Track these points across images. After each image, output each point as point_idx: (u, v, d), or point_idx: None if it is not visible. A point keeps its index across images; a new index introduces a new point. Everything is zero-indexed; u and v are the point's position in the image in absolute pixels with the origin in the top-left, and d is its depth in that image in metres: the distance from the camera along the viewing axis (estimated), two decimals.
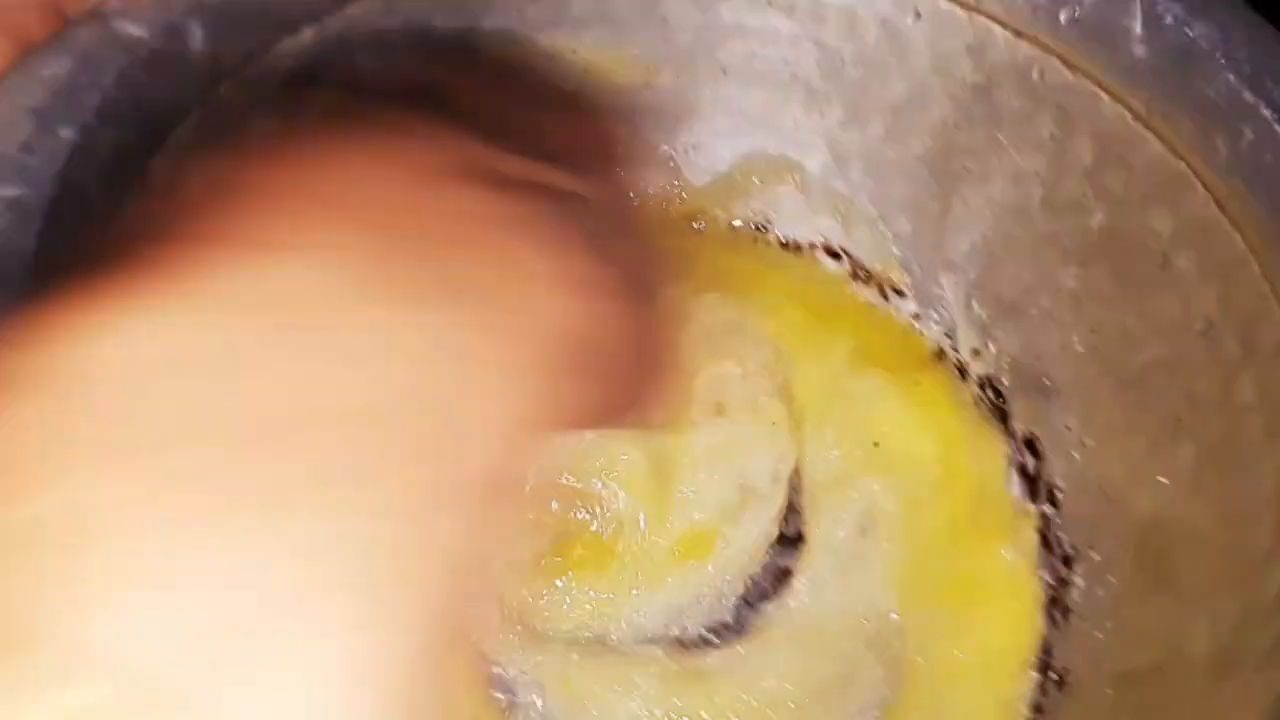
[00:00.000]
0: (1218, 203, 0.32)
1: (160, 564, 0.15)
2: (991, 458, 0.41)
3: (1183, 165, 0.33)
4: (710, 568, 0.39)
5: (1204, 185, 0.32)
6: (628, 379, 0.22)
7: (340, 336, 0.17)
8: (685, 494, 0.39)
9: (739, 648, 0.38)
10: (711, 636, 0.39)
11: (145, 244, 0.18)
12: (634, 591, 0.39)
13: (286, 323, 0.17)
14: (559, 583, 0.38)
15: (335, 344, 0.17)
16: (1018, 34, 0.35)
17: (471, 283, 0.19)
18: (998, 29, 0.35)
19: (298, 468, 0.16)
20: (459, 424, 0.17)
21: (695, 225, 0.44)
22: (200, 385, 0.16)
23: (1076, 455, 0.39)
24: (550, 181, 0.22)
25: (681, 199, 0.43)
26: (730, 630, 0.39)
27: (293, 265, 0.17)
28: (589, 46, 0.38)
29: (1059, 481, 0.40)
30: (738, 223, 0.44)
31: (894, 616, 0.39)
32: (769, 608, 0.39)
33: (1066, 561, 0.39)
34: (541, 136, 0.24)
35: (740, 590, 0.39)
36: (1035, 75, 0.36)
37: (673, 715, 0.37)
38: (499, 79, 0.28)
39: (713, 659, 0.38)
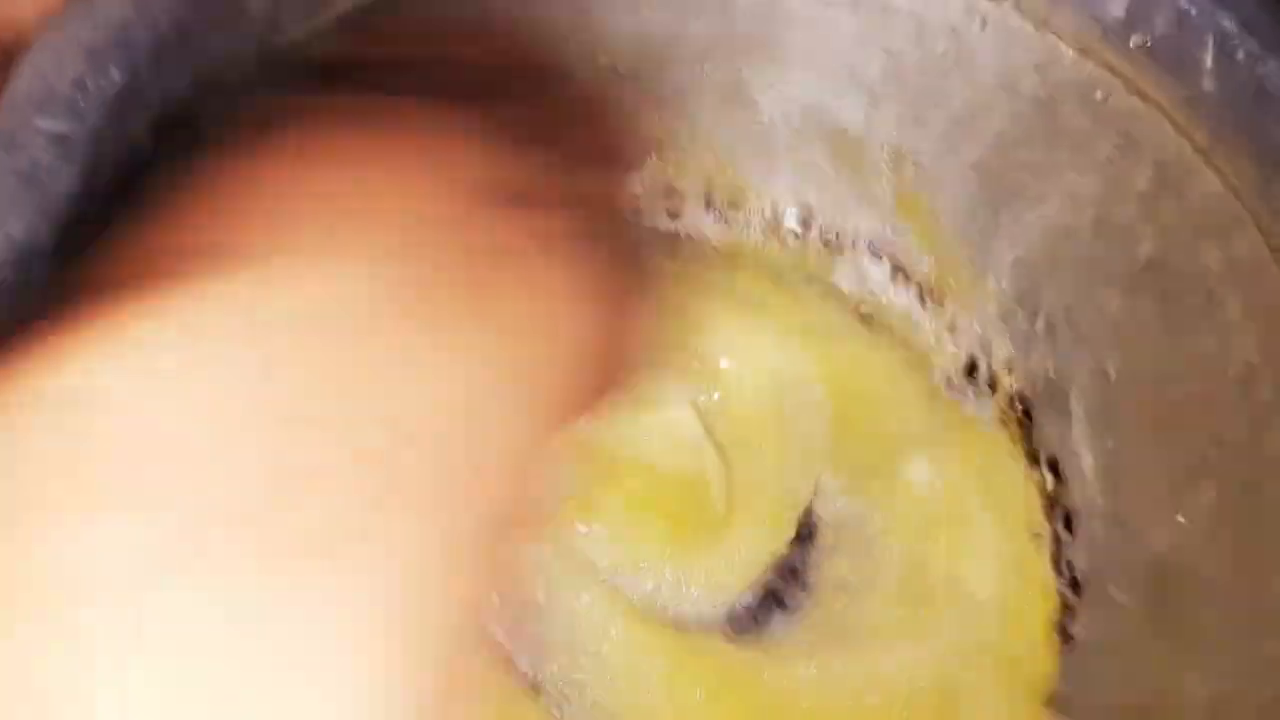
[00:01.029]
0: (1271, 247, 0.31)
1: (170, 625, 0.14)
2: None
3: (1239, 205, 0.32)
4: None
5: (1259, 228, 0.32)
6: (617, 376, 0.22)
7: (367, 355, 0.16)
8: None
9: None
10: None
11: (165, 252, 0.17)
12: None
13: (310, 342, 0.16)
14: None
15: (363, 362, 0.16)
16: (1084, 53, 0.35)
17: (497, 303, 0.18)
18: (1065, 47, 0.34)
19: (316, 514, 0.15)
20: (479, 455, 0.17)
21: (736, 215, 0.43)
22: (214, 415, 0.15)
23: (1098, 483, 0.39)
24: (573, 191, 0.21)
25: (725, 186, 0.43)
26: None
27: (319, 276, 0.17)
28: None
29: (1077, 507, 0.39)
30: (780, 217, 0.44)
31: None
32: None
33: (1075, 588, 0.38)
34: (569, 136, 0.24)
35: None
36: (1099, 97, 0.35)
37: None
38: (538, 77, 0.28)
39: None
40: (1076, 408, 0.39)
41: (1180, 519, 0.35)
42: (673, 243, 0.44)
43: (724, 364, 0.41)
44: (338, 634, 0.15)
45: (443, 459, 0.16)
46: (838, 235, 0.44)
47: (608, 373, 0.21)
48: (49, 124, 0.23)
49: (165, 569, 0.14)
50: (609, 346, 0.21)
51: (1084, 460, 0.39)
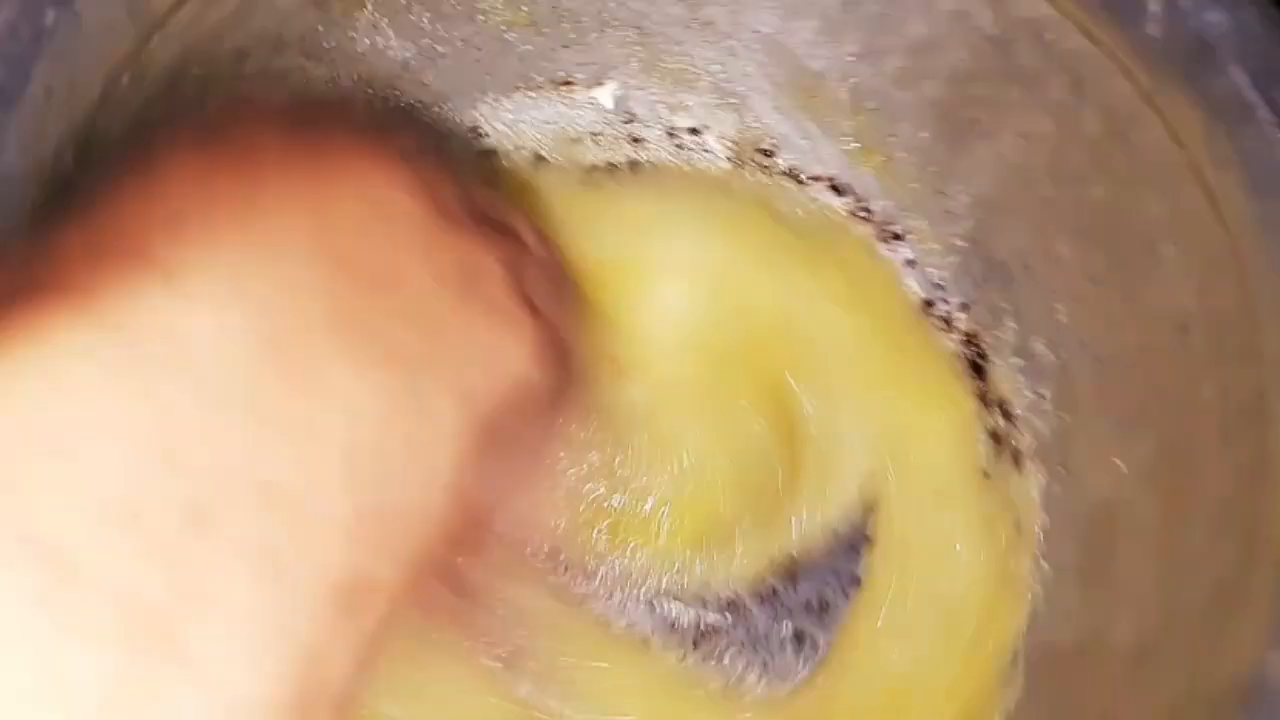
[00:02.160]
0: (1209, 198, 0.31)
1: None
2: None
3: (1182, 154, 0.32)
4: None
5: (1198, 178, 0.31)
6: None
7: (240, 411, 0.15)
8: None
9: None
10: None
11: (83, 260, 0.16)
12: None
13: (155, 391, 0.15)
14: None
15: (225, 418, 0.15)
16: None
17: (423, 338, 0.17)
18: None
19: (203, 550, 0.14)
20: (355, 513, 0.16)
21: (697, 149, 0.43)
22: (100, 437, 0.14)
23: (1044, 426, 0.39)
24: (504, 220, 0.21)
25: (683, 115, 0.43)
26: None
27: (173, 305, 0.15)
28: None
29: (1025, 449, 0.39)
30: (740, 149, 0.43)
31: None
32: None
33: (1017, 527, 0.39)
34: None
35: None
36: (1050, 36, 0.34)
37: None
38: None
39: None
40: (1027, 351, 0.39)
41: (1120, 464, 0.35)
42: (634, 170, 0.44)
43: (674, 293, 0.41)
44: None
45: (330, 523, 0.16)
46: (800, 170, 0.43)
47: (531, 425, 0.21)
48: None
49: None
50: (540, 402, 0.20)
51: (1034, 403, 0.39)
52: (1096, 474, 0.36)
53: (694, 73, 0.43)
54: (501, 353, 0.19)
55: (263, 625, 0.15)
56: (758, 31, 0.41)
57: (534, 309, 0.20)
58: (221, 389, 0.15)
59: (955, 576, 0.39)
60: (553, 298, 0.21)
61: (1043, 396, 0.39)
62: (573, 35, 0.42)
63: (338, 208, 0.18)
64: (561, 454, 0.24)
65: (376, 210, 0.18)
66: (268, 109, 0.21)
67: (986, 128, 0.38)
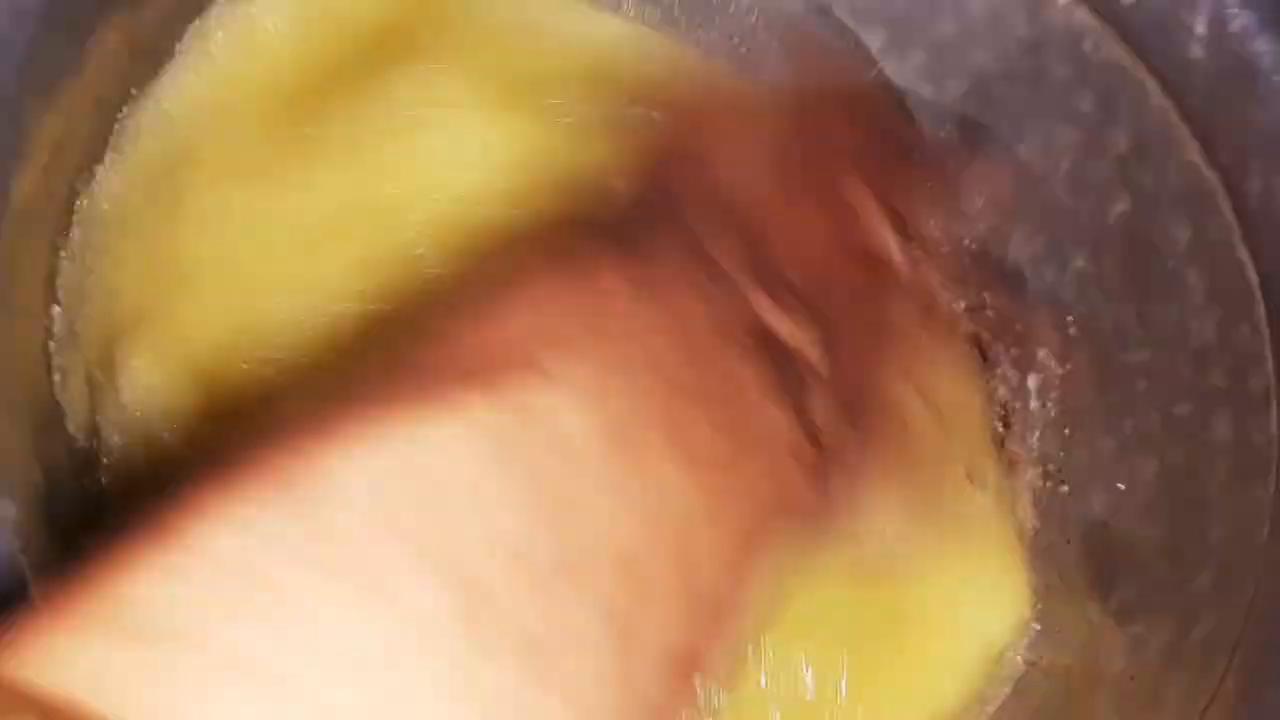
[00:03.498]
0: (1242, 230, 0.30)
1: None
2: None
3: (1215, 182, 0.31)
4: None
5: (1232, 207, 0.31)
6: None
7: (592, 482, 0.18)
8: None
9: None
10: None
11: (481, 359, 0.18)
12: None
13: (534, 457, 0.17)
14: None
15: (586, 490, 0.18)
16: (1077, 0, 0.33)
17: (718, 446, 0.19)
18: None
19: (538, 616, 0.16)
20: (678, 590, 0.18)
21: None
22: (451, 517, 0.16)
23: (1046, 436, 0.38)
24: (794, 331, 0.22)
25: None
26: None
27: (552, 399, 0.18)
28: None
29: (1021, 457, 0.39)
30: None
31: None
32: None
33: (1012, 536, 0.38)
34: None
35: None
36: (1088, 47, 0.34)
37: None
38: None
39: None
40: (1031, 360, 0.39)
41: (1120, 486, 0.35)
42: None
43: None
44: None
45: (659, 595, 0.18)
46: None
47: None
48: None
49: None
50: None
51: (1033, 412, 0.39)
52: (1096, 492, 0.36)
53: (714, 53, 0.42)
54: (786, 471, 0.21)
55: (618, 672, 0.17)
56: (782, 10, 0.40)
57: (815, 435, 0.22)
58: (584, 468, 0.18)
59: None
60: (836, 423, 0.23)
61: (1044, 407, 0.39)
62: None
63: (653, 322, 0.21)
64: None
65: (688, 330, 0.21)
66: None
67: (1008, 132, 0.38)
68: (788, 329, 0.23)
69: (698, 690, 0.18)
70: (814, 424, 0.22)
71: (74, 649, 0.15)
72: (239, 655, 0.15)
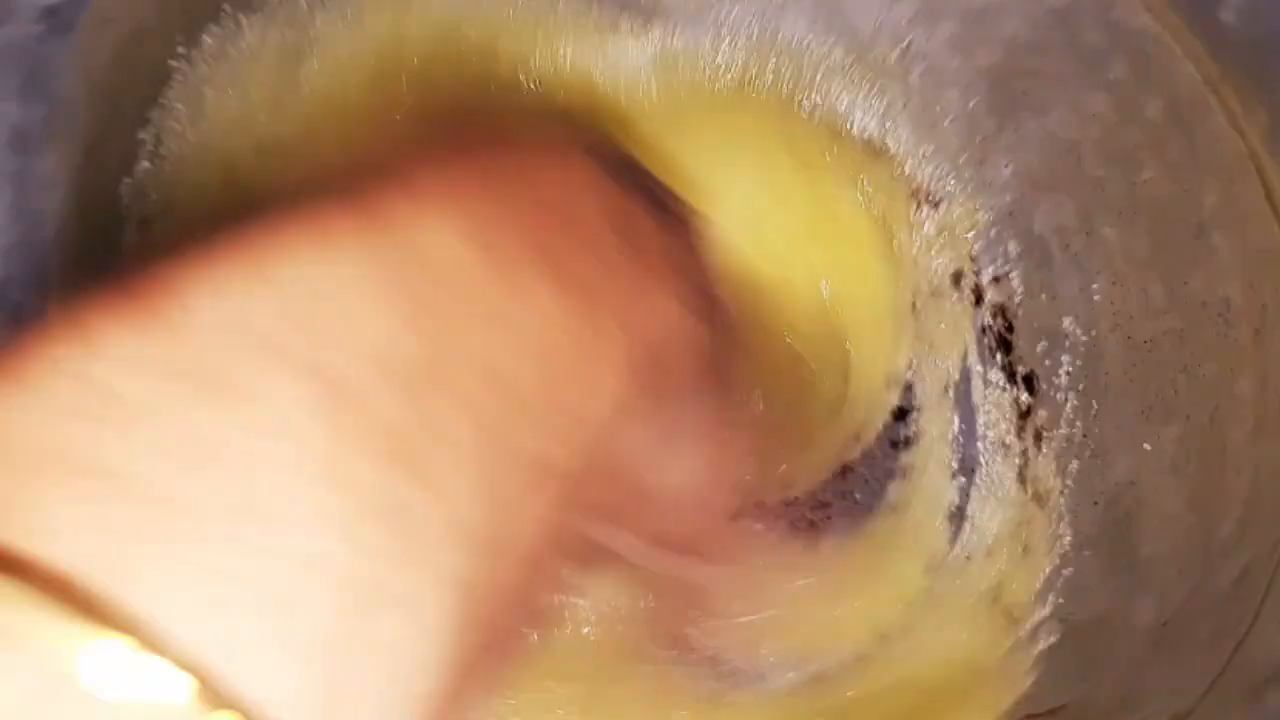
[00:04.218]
0: (1268, 194, 0.31)
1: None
2: None
3: (1244, 148, 0.32)
4: None
5: (1260, 173, 0.31)
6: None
7: (463, 300, 0.18)
8: None
9: None
10: None
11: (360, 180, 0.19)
12: None
13: (407, 274, 0.18)
14: None
15: (457, 307, 0.18)
16: None
17: (588, 278, 0.20)
18: None
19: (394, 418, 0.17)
20: (543, 403, 0.19)
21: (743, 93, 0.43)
22: (334, 328, 0.17)
23: (1071, 402, 0.39)
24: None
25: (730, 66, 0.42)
26: None
27: (430, 220, 0.19)
28: None
29: (1047, 424, 0.40)
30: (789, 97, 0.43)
31: None
32: None
33: (1038, 501, 0.39)
34: None
35: None
36: (1117, 14, 0.34)
37: None
38: None
39: None
40: (1057, 328, 0.39)
41: (1146, 446, 0.36)
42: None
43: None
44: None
45: (525, 406, 0.18)
46: (838, 126, 0.43)
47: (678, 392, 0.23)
48: None
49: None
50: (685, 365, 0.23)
51: (1059, 379, 0.40)
52: (1121, 454, 0.37)
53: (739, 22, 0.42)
54: (661, 299, 0.22)
55: (479, 472, 0.18)
56: None
57: (683, 268, 0.22)
58: (453, 280, 0.18)
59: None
60: (700, 264, 0.23)
61: (1069, 374, 0.39)
62: None
63: (535, 173, 0.22)
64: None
65: (564, 173, 0.22)
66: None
67: (1038, 101, 0.38)
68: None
69: (554, 506, 0.19)
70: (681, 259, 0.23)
71: None
72: (89, 461, 0.15)
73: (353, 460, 0.16)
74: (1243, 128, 0.32)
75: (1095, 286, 0.38)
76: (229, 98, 0.35)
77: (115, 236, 0.32)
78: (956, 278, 0.42)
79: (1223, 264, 0.33)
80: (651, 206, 0.24)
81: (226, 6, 0.34)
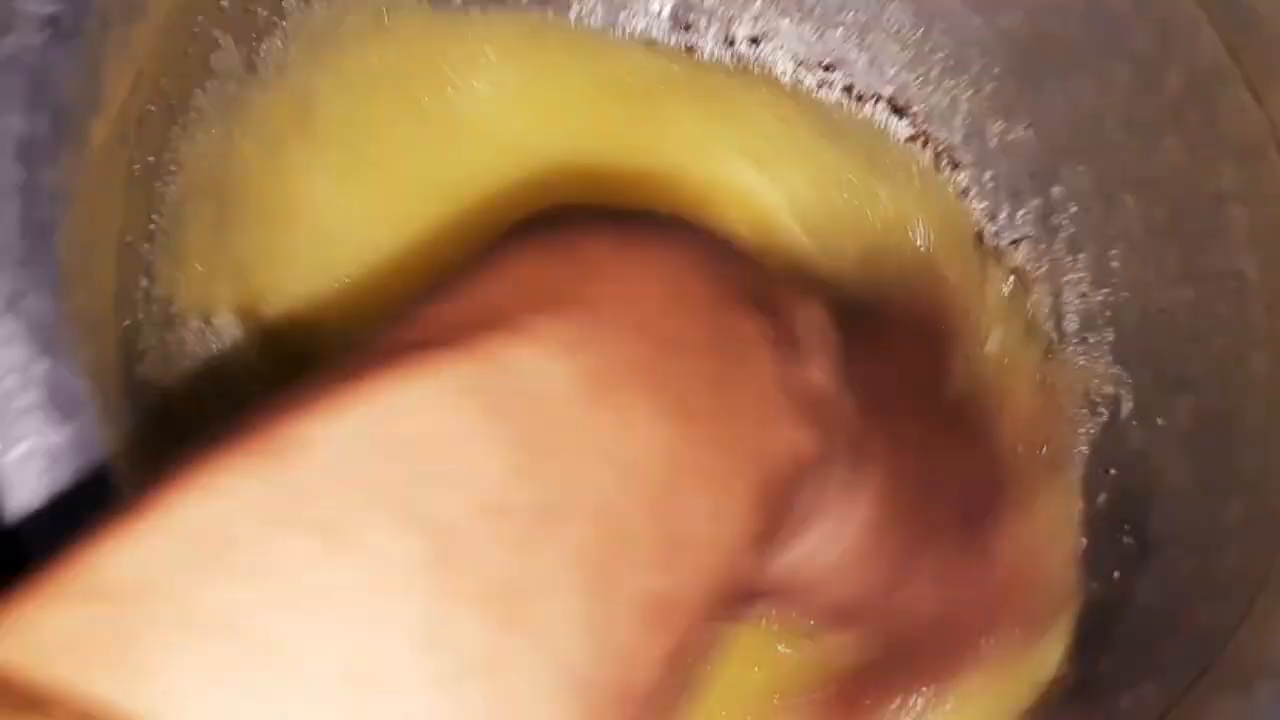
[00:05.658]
0: None
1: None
2: None
3: (1266, 127, 0.31)
4: None
5: (1277, 144, 0.31)
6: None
7: (575, 443, 0.18)
8: None
9: None
10: None
11: (457, 327, 0.18)
12: None
13: (512, 412, 0.17)
14: None
15: (569, 449, 0.18)
16: None
17: (708, 399, 0.19)
18: None
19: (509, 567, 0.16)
20: (659, 540, 0.18)
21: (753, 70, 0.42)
22: (431, 471, 0.17)
23: (1088, 367, 0.39)
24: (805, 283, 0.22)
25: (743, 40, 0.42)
26: None
27: (529, 352, 0.18)
28: None
29: (1064, 382, 0.40)
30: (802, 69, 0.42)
31: None
32: None
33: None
34: None
35: None
36: None
37: None
38: None
39: None
40: (1073, 295, 0.39)
41: (1159, 420, 0.36)
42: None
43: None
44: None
45: (640, 548, 0.18)
46: (859, 89, 0.43)
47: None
48: (35, 5, 0.22)
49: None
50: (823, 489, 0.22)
51: (1076, 345, 0.39)
52: (1134, 426, 0.37)
53: None
54: (774, 425, 0.21)
55: (591, 619, 0.17)
56: None
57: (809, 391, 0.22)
58: (561, 418, 0.18)
59: None
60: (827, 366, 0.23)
61: (1085, 340, 0.39)
62: None
63: (640, 288, 0.20)
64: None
65: (670, 286, 0.21)
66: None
67: (1061, 67, 0.38)
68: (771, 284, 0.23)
69: (683, 639, 0.18)
70: (812, 384, 0.22)
71: (38, 617, 0.15)
72: (203, 612, 0.15)
73: (458, 618, 0.16)
74: (1267, 107, 0.31)
75: (1114, 253, 0.38)
76: None
77: None
78: (978, 238, 0.41)
79: (1239, 237, 0.33)
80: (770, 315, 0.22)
81: None
